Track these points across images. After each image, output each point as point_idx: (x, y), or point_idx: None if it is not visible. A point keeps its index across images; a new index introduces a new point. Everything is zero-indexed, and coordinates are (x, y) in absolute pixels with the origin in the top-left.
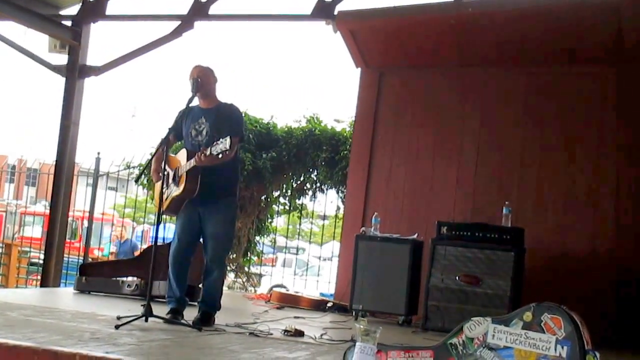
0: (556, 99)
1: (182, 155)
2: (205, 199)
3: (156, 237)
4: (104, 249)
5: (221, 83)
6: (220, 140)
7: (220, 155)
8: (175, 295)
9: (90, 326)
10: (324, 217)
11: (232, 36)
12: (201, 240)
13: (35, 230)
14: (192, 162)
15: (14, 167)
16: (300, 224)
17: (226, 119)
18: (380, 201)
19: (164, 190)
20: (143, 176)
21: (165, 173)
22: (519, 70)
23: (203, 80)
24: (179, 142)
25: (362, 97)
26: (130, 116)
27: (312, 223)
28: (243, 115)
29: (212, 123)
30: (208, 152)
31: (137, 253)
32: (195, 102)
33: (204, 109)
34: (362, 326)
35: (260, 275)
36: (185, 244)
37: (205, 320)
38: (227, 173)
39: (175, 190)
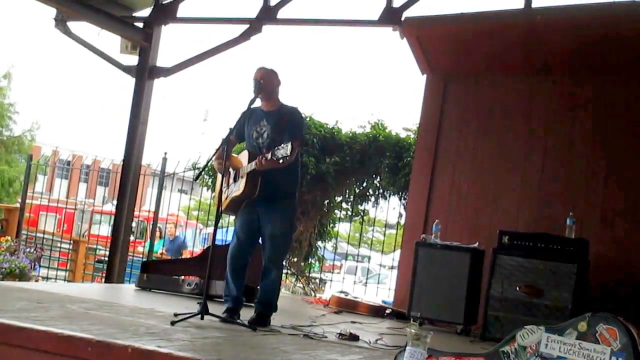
0: (626, 110)
1: (244, 156)
2: (265, 200)
3: (214, 237)
4: (147, 245)
5: (287, 87)
6: (282, 145)
7: (281, 161)
8: (232, 294)
9: (146, 321)
10: (386, 224)
11: (300, 41)
12: (260, 241)
13: (105, 229)
14: (253, 165)
15: (88, 166)
16: (361, 231)
17: (287, 122)
18: (441, 209)
19: (224, 189)
20: (204, 175)
21: (228, 173)
22: (587, 80)
23: (265, 81)
24: (241, 143)
25: (427, 103)
26: (202, 120)
27: (373, 230)
28: (305, 118)
29: (273, 126)
30: (269, 157)
31: (185, 252)
32: (258, 103)
33: (266, 112)
34: (413, 330)
35: (322, 281)
36: (243, 243)
37: (260, 321)
38: (287, 175)
39: (235, 191)
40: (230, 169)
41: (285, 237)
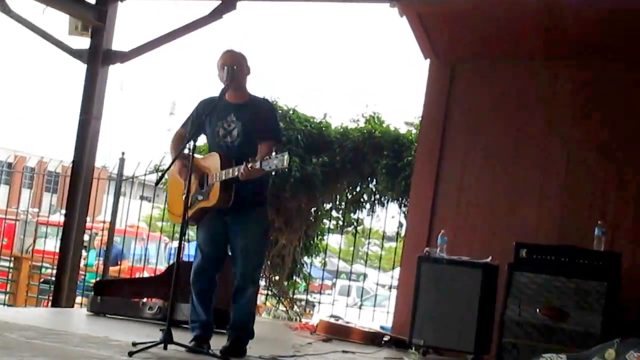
0: None
1: (213, 159)
2: (235, 208)
3: (179, 252)
4: (87, 257)
5: (268, 75)
6: (277, 156)
7: (274, 173)
8: (199, 319)
9: (99, 352)
10: (384, 236)
11: (280, 20)
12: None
13: (53, 243)
14: (234, 172)
15: (32, 169)
16: (355, 244)
17: (262, 118)
18: (448, 217)
19: (183, 195)
20: (167, 180)
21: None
22: (618, 64)
23: (238, 68)
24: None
25: (431, 93)
26: (168, 114)
27: (369, 243)
28: (287, 112)
29: (246, 123)
30: (258, 166)
31: (123, 262)
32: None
33: (234, 104)
34: None
35: (308, 303)
36: (209, 259)
37: (235, 350)
38: (260, 179)
39: (203, 200)
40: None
41: (261, 250)
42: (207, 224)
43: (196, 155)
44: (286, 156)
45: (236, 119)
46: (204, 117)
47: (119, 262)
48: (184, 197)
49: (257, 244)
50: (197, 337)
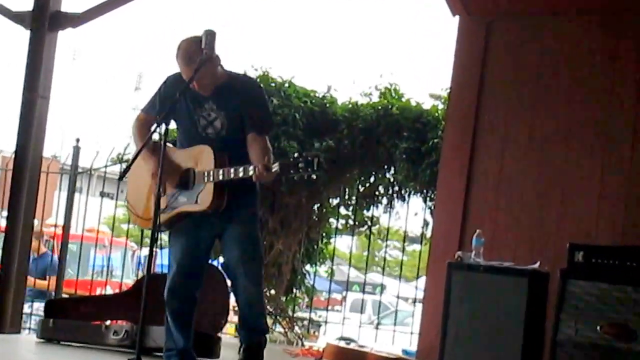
0: None
1: (202, 154)
2: (226, 210)
3: (150, 262)
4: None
5: (258, 42)
6: (303, 159)
7: (295, 177)
8: (177, 346)
9: None
10: (405, 238)
11: None
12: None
13: None
14: (237, 171)
15: None
16: (370, 248)
17: (248, 103)
18: (485, 213)
19: (155, 196)
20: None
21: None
22: None
23: (201, 72)
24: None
25: (461, 58)
26: (133, 89)
27: (386, 246)
28: (282, 85)
29: (229, 111)
30: (276, 169)
31: (52, 279)
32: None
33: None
34: None
35: (313, 323)
36: (189, 272)
37: (255, 355)
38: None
39: (187, 204)
40: (165, 168)
41: (261, 257)
42: (186, 229)
43: (169, 145)
44: (316, 160)
45: (217, 107)
46: (178, 96)
47: (46, 277)
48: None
49: (256, 251)
50: None
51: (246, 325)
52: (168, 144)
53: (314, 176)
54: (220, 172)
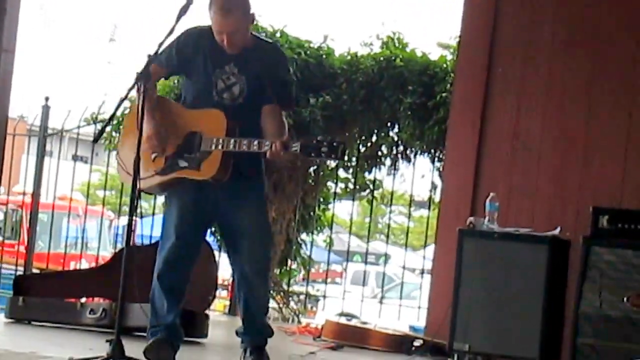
0: None
1: (213, 119)
2: (233, 176)
3: (129, 232)
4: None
5: None
6: (328, 143)
7: (317, 160)
8: (164, 321)
9: None
10: (411, 202)
11: None
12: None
13: None
14: (251, 144)
15: None
16: (372, 215)
17: (272, 71)
18: (499, 175)
19: (153, 156)
20: (112, 132)
21: (163, 130)
22: None
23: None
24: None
25: (472, 2)
26: (108, 41)
27: (391, 211)
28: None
29: (251, 78)
30: (296, 148)
31: None
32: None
33: (235, 54)
34: None
35: (310, 298)
36: (187, 244)
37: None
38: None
39: (188, 169)
40: (167, 126)
41: (268, 231)
42: (187, 194)
43: (170, 101)
44: (341, 147)
45: (238, 71)
46: (196, 52)
47: None
48: (154, 156)
49: (264, 224)
50: (157, 341)
51: (252, 327)
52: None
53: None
54: (232, 141)
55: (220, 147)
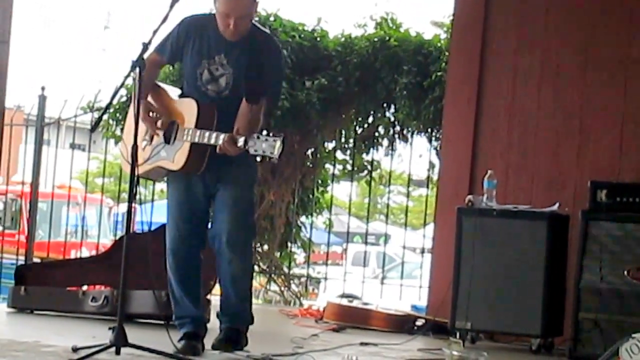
0: None
1: (188, 107)
2: (214, 167)
3: (129, 219)
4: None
5: None
6: (267, 137)
7: (258, 159)
8: (189, 313)
9: None
10: (409, 181)
11: None
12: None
13: None
14: (209, 139)
15: None
16: (371, 195)
17: (262, 66)
18: (497, 152)
19: (142, 144)
20: (109, 120)
21: (155, 119)
22: None
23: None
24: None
25: None
26: (102, 28)
27: (389, 192)
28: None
29: (239, 69)
30: (241, 144)
31: None
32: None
33: (227, 41)
34: (456, 353)
35: (311, 280)
36: (189, 233)
37: (234, 342)
38: None
39: (165, 159)
40: (154, 114)
41: (250, 206)
42: (181, 185)
43: (166, 88)
44: (279, 143)
45: (227, 62)
46: (188, 40)
47: None
48: (144, 144)
49: (245, 196)
50: (188, 334)
51: (228, 309)
52: (171, 88)
53: (275, 160)
54: (197, 133)
55: (188, 138)
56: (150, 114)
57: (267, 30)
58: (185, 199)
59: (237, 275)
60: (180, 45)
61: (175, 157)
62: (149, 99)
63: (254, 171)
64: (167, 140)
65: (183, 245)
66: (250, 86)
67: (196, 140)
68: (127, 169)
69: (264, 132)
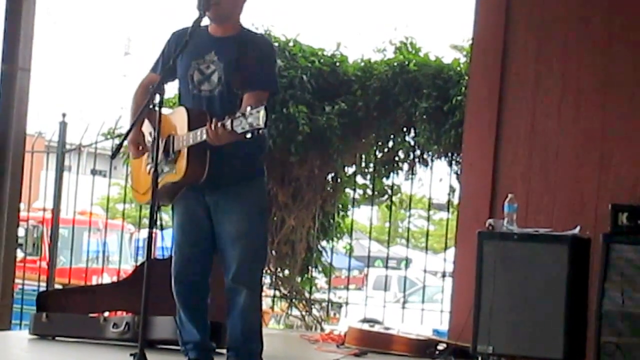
0: None
1: (179, 115)
2: (216, 183)
3: (150, 244)
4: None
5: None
6: (250, 111)
7: (248, 135)
8: (193, 339)
9: None
10: (429, 206)
11: None
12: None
13: None
14: (201, 133)
15: None
16: (391, 219)
17: (252, 60)
18: (517, 176)
19: (145, 166)
20: (126, 147)
21: (149, 140)
22: None
23: None
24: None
25: (484, 2)
26: (123, 54)
27: (410, 215)
28: (285, 45)
29: (229, 63)
30: (228, 126)
31: None
32: (204, 23)
33: (217, 38)
34: None
35: (332, 304)
36: (192, 257)
37: None
38: (250, 141)
39: (168, 173)
40: (150, 133)
41: (258, 237)
42: (183, 204)
43: (164, 110)
44: (262, 112)
45: (217, 59)
46: (176, 54)
47: None
48: (149, 167)
49: (252, 230)
50: None
51: (234, 342)
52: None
53: (264, 130)
54: (191, 135)
55: (182, 143)
56: (140, 147)
57: (257, 32)
58: (187, 220)
59: (246, 311)
60: (171, 53)
61: (177, 167)
62: (145, 122)
63: (263, 196)
64: (167, 155)
65: (187, 271)
66: (243, 75)
67: (190, 142)
68: (137, 199)
69: (248, 109)
